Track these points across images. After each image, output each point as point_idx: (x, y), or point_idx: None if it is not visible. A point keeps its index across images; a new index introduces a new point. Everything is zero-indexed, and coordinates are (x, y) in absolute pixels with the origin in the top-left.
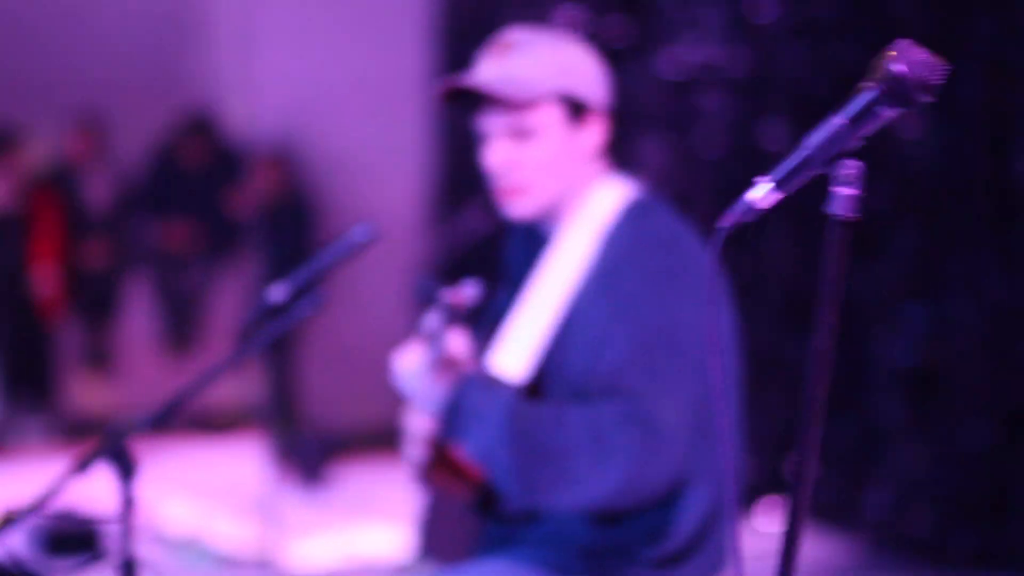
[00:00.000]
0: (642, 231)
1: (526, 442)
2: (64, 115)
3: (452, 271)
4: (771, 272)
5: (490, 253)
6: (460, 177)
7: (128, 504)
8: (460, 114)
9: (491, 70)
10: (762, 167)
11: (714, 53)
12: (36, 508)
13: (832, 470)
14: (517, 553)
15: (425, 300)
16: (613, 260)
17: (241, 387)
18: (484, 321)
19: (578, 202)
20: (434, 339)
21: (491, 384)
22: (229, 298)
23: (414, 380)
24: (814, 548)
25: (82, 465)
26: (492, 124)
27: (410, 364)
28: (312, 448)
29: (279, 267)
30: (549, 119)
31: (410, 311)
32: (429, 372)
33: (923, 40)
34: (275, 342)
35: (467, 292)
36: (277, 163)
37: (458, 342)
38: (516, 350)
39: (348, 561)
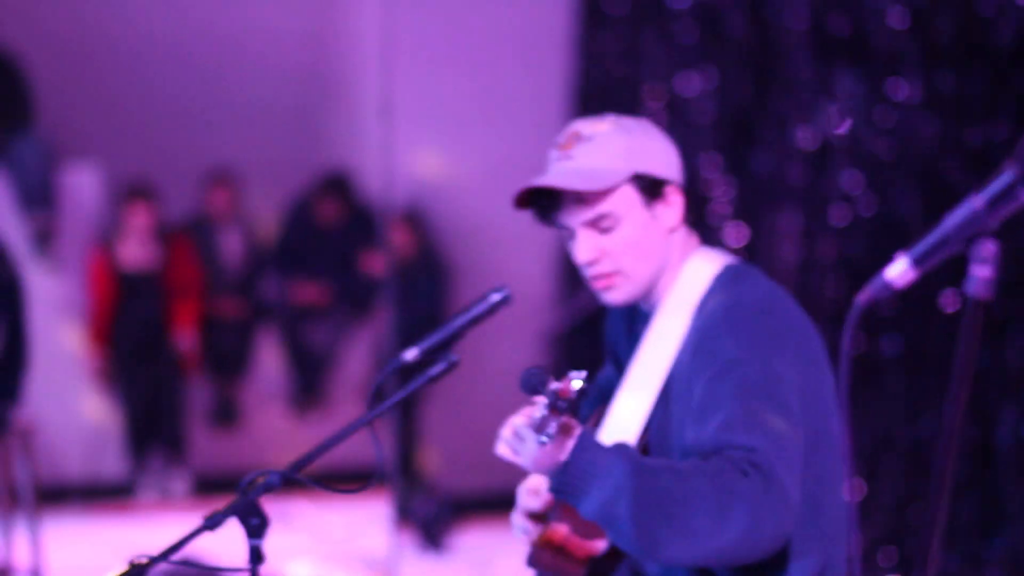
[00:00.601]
0: (735, 297)
1: (647, 496)
2: (203, 173)
3: (571, 345)
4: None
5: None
6: None
7: (256, 559)
8: (541, 217)
9: (562, 167)
10: (894, 242)
11: (850, 126)
12: (162, 558)
13: (953, 550)
14: None
15: (532, 390)
16: (708, 327)
17: (368, 447)
18: (590, 401)
19: (673, 277)
20: (543, 428)
21: (607, 445)
22: (359, 356)
23: (525, 453)
24: None
25: (213, 519)
26: (573, 219)
27: (519, 435)
28: (433, 511)
29: (410, 327)
30: (627, 203)
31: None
32: (540, 448)
33: None
34: (403, 403)
35: (573, 382)
36: (412, 223)
37: (567, 421)
38: (621, 426)
39: None
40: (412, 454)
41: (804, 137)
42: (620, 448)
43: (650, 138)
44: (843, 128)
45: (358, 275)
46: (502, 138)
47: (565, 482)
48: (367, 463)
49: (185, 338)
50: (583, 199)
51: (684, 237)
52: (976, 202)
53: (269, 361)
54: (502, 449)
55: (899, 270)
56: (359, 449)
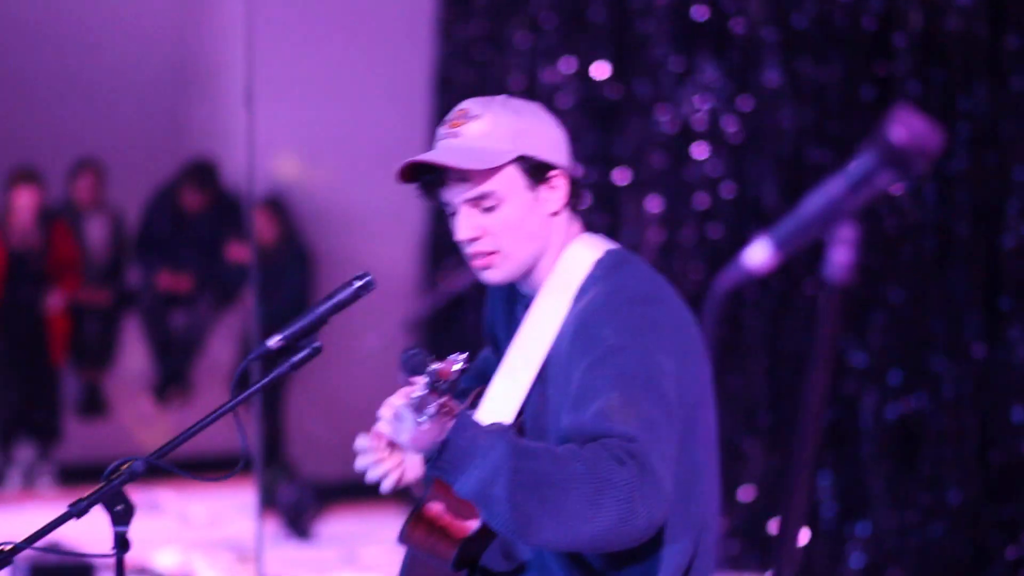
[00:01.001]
0: (617, 284)
1: (524, 477)
2: (66, 162)
3: (437, 329)
4: (753, 332)
5: (472, 313)
6: (448, 236)
7: (122, 546)
8: (425, 192)
9: (448, 144)
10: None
11: (712, 109)
12: (29, 543)
13: (816, 533)
14: None
15: (412, 370)
16: (589, 313)
17: (232, 434)
18: (467, 380)
19: (553, 261)
20: (421, 407)
21: (486, 425)
22: (224, 344)
23: (402, 428)
24: None
25: (78, 506)
26: (457, 196)
27: (398, 415)
28: (298, 498)
29: (274, 315)
30: (510, 184)
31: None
32: (419, 428)
33: (917, 106)
34: (267, 390)
35: (454, 363)
36: (274, 210)
37: (445, 402)
38: (498, 407)
39: None
40: (277, 441)
41: (666, 122)
42: (499, 429)
43: (539, 121)
44: (703, 113)
45: (223, 263)
46: (367, 124)
47: (443, 460)
48: (232, 450)
49: (58, 322)
50: (467, 177)
51: (567, 222)
52: (835, 185)
53: (134, 350)
54: (381, 428)
55: (759, 254)
56: (223, 436)
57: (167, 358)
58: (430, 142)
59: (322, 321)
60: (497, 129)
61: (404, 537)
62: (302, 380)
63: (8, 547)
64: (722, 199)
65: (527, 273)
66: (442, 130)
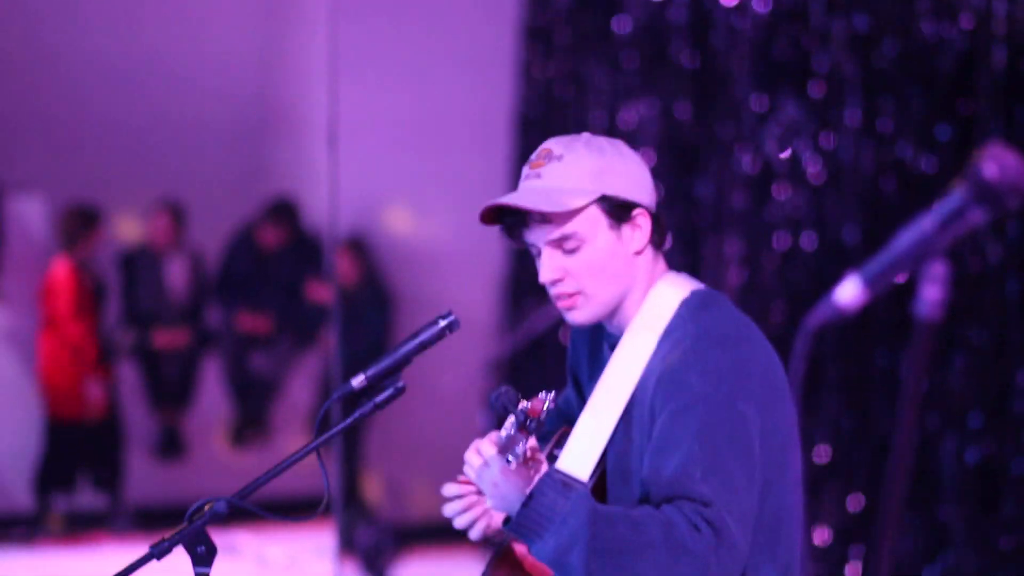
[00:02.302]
0: (703, 326)
1: (601, 544)
2: (147, 202)
3: (517, 371)
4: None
5: (551, 354)
6: (528, 276)
7: None
8: (508, 234)
9: (530, 186)
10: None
11: (794, 148)
12: None
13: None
14: None
15: (501, 409)
16: (675, 357)
17: (310, 477)
18: (549, 422)
19: (639, 301)
20: (510, 446)
21: (566, 487)
22: (303, 385)
23: (486, 476)
24: None
25: (160, 547)
26: (539, 238)
27: (485, 458)
28: (376, 541)
29: (354, 355)
30: (592, 224)
31: (480, 407)
32: (504, 475)
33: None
34: (347, 431)
35: (543, 402)
36: (356, 250)
37: (533, 448)
38: (582, 450)
39: None
40: (356, 483)
41: (747, 162)
42: (579, 494)
43: (622, 159)
44: (785, 153)
45: (303, 303)
46: (448, 164)
47: (522, 523)
48: (309, 493)
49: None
50: (549, 219)
51: (651, 260)
52: (926, 222)
53: (213, 391)
54: (467, 472)
55: (850, 292)
56: (301, 479)
57: (246, 399)
58: (511, 182)
59: (406, 361)
60: (579, 169)
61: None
62: (381, 422)
63: None
64: (802, 239)
65: (612, 313)
66: (525, 170)
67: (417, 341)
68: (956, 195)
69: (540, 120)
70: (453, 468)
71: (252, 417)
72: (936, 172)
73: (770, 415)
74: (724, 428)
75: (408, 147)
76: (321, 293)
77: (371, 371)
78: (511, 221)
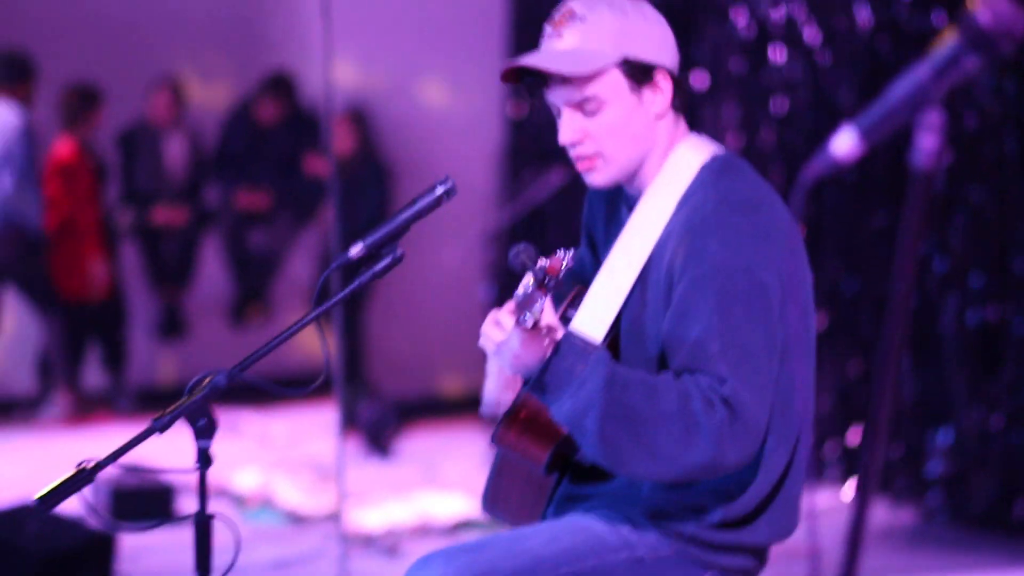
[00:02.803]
0: (723, 191)
1: (616, 410)
2: (144, 79)
3: (516, 241)
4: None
5: (552, 224)
6: (527, 144)
7: (205, 462)
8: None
9: (551, 46)
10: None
11: (787, 11)
12: (111, 460)
13: (896, 438)
14: (584, 510)
15: (519, 266)
16: (696, 221)
17: (311, 354)
18: (567, 281)
19: (659, 163)
20: (528, 304)
21: (585, 350)
22: (303, 261)
23: (505, 345)
24: (876, 514)
25: (161, 421)
26: (559, 99)
27: (503, 328)
28: (379, 416)
29: (353, 229)
30: (613, 87)
31: (481, 279)
32: (522, 337)
33: None
34: (348, 306)
35: (562, 259)
36: (355, 123)
37: (549, 311)
38: (597, 310)
39: (412, 519)
40: (357, 359)
41: (742, 25)
42: (598, 358)
43: (645, 20)
44: (780, 15)
45: (301, 178)
46: (442, 35)
47: (540, 383)
48: (310, 368)
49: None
50: (569, 80)
51: (672, 123)
52: (921, 71)
53: (213, 269)
54: (484, 342)
55: (845, 142)
56: (303, 354)
57: (246, 277)
58: (507, 53)
59: (404, 228)
60: (600, 30)
61: (497, 438)
62: (381, 297)
63: (91, 464)
64: (800, 102)
65: (632, 175)
66: (548, 29)
67: (415, 208)
68: (950, 42)
69: None
70: (454, 341)
71: (252, 294)
72: (931, 30)
73: (790, 280)
74: (743, 299)
75: (403, 19)
76: (318, 166)
77: (369, 240)
78: (531, 80)
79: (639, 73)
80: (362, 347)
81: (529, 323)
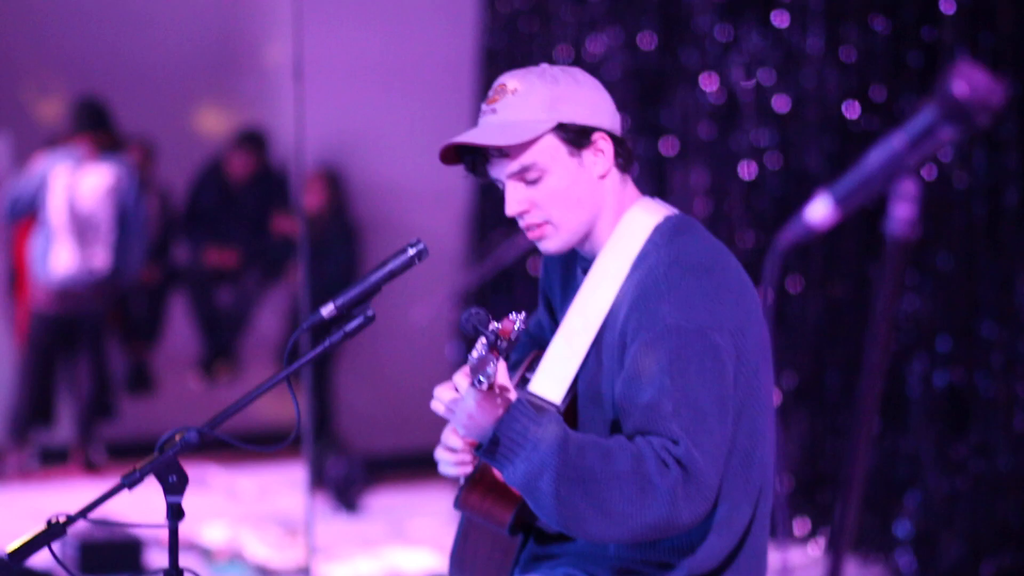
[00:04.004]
0: (676, 252)
1: (571, 472)
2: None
3: (485, 302)
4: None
5: (520, 284)
6: (494, 209)
7: (176, 516)
8: (471, 171)
9: (486, 122)
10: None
11: (758, 77)
12: (83, 515)
13: (864, 503)
14: (550, 567)
15: (472, 330)
16: (648, 283)
17: (280, 409)
18: (522, 346)
19: (611, 225)
20: (482, 367)
21: (538, 412)
22: (272, 319)
23: (459, 407)
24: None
25: (131, 477)
26: (501, 172)
27: (456, 392)
28: (347, 472)
29: (322, 287)
30: (551, 153)
31: (449, 338)
32: (477, 398)
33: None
34: (317, 363)
35: (513, 321)
36: (326, 182)
37: (503, 373)
38: (554, 373)
39: (380, 575)
40: (326, 415)
41: (712, 92)
42: (550, 420)
43: (577, 85)
44: (750, 83)
45: (270, 237)
46: (413, 97)
47: (494, 449)
48: (279, 425)
49: None
50: (507, 153)
51: (618, 184)
52: (896, 140)
53: (181, 327)
54: (435, 405)
55: (820, 210)
56: (273, 413)
57: (214, 334)
58: (476, 116)
59: (376, 289)
60: (533, 100)
61: (460, 503)
62: (350, 354)
63: (63, 519)
64: (768, 168)
65: (584, 238)
66: (483, 106)
67: (386, 269)
68: (926, 113)
69: (505, 53)
70: (421, 399)
71: (221, 352)
72: (899, 100)
73: (743, 341)
74: (696, 361)
75: (374, 81)
76: (287, 225)
77: (340, 300)
78: (472, 158)
79: (576, 136)
80: (331, 404)
81: (484, 386)
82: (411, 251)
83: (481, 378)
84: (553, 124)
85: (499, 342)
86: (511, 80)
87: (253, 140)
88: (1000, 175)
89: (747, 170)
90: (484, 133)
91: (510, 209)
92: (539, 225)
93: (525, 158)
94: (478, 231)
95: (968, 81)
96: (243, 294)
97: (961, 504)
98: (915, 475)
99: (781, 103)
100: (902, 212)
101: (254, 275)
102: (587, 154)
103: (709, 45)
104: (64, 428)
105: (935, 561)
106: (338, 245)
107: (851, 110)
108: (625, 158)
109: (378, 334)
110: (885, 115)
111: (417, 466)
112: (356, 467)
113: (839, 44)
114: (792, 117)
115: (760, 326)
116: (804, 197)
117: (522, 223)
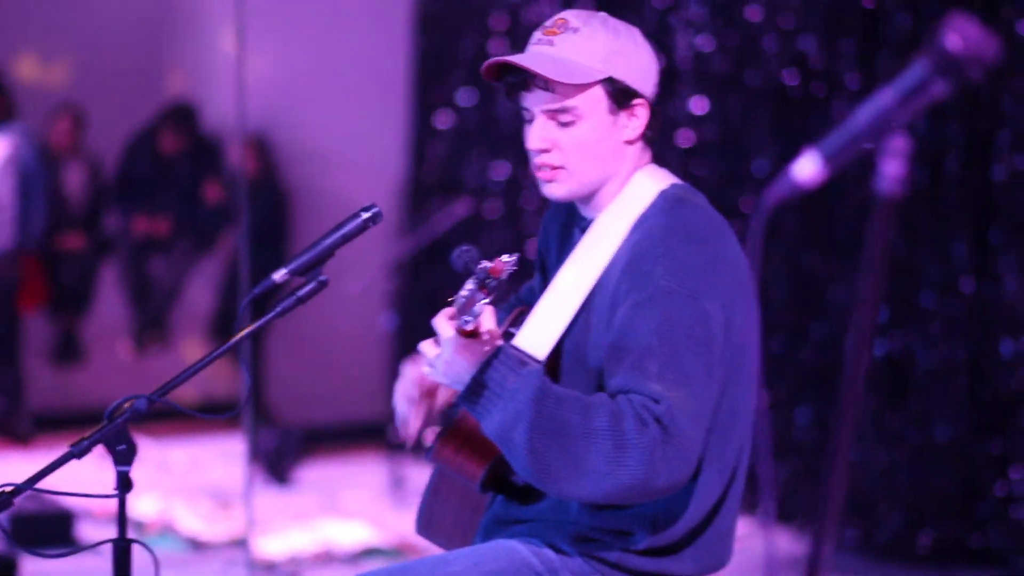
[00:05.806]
0: (675, 220)
1: (546, 424)
2: (45, 102)
3: (417, 272)
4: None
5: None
6: (429, 176)
7: (125, 486)
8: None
9: (541, 51)
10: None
11: (699, 45)
12: (30, 485)
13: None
14: (511, 534)
15: (462, 267)
16: (644, 247)
17: (208, 381)
18: (508, 306)
19: (617, 189)
20: (468, 307)
21: (520, 363)
22: (202, 289)
23: (443, 350)
24: (779, 544)
25: (80, 446)
26: (536, 104)
27: (441, 332)
28: (278, 444)
29: (255, 253)
30: (593, 104)
31: (383, 308)
32: (460, 342)
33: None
34: (252, 336)
35: (506, 262)
36: (259, 149)
37: (489, 316)
38: (541, 329)
39: (315, 547)
40: (257, 387)
41: None
42: (530, 371)
43: (635, 46)
44: (687, 49)
45: (201, 207)
46: (349, 63)
47: (471, 397)
48: (211, 397)
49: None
50: (551, 87)
51: (639, 152)
52: (886, 96)
53: (111, 296)
54: (423, 347)
55: (808, 167)
56: (196, 385)
57: (145, 304)
58: (411, 79)
59: (329, 254)
60: (592, 45)
61: (434, 455)
62: (281, 324)
63: (9, 488)
64: (707, 136)
65: (589, 196)
66: (537, 35)
67: (340, 233)
68: (917, 67)
69: (440, 16)
70: (354, 369)
71: (152, 322)
72: (839, 67)
73: (733, 314)
74: (685, 324)
75: (307, 48)
76: (218, 193)
77: (293, 264)
78: (512, 80)
79: (621, 96)
80: (262, 375)
81: (469, 326)
82: (364, 215)
83: (467, 318)
84: (605, 76)
85: (488, 280)
86: (574, 19)
87: (183, 115)
88: (942, 143)
89: (685, 137)
90: (538, 61)
91: (532, 143)
92: (553, 168)
93: (568, 100)
94: (411, 201)
95: (961, 34)
96: (174, 263)
97: (899, 474)
98: (854, 446)
99: (720, 69)
100: (892, 169)
101: (186, 245)
102: (623, 115)
103: (647, 11)
104: None
105: (874, 532)
106: (267, 210)
107: (790, 79)
108: (655, 130)
109: (311, 304)
110: (828, 83)
111: (350, 438)
112: (288, 439)
113: (778, 11)
114: (730, 84)
115: (751, 306)
116: (743, 165)
117: (537, 160)
